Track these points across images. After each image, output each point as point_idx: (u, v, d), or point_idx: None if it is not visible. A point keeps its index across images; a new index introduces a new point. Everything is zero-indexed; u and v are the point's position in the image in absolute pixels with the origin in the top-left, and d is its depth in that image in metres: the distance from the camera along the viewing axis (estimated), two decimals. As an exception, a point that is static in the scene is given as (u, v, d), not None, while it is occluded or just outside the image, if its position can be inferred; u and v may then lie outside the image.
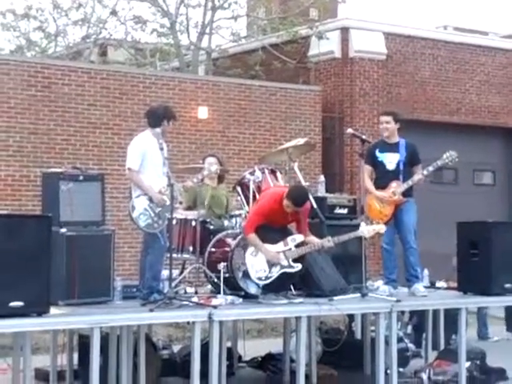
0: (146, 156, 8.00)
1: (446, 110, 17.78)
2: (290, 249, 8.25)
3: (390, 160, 9.03)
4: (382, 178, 9.06)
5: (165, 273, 8.25)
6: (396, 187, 8.93)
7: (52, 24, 20.29)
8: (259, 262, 8.22)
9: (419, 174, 8.94)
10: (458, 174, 17.44)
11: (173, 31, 18.71)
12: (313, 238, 8.38)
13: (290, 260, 8.22)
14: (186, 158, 14.35)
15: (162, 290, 7.98)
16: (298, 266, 8.23)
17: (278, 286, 8.31)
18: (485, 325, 12.33)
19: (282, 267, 8.22)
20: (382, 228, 8.51)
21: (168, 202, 7.92)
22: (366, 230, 8.41)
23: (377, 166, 9.11)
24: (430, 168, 8.99)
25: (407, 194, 9.00)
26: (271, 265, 8.21)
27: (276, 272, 8.23)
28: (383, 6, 38.69)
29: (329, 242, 8.27)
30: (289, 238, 8.29)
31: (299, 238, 8.31)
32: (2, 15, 20.30)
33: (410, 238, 8.95)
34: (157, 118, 8.24)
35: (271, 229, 8.29)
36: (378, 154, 9.10)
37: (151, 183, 7.96)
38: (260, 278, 8.22)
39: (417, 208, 9.11)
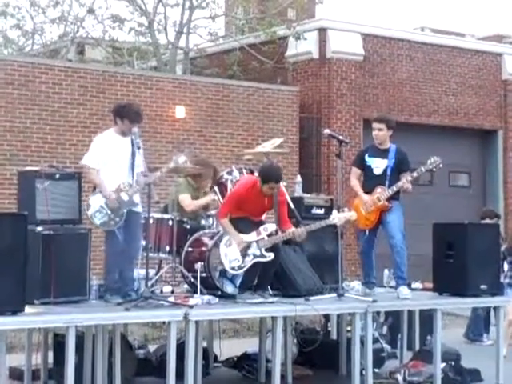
0: (105, 153, 7.94)
1: (422, 112, 17.88)
2: (263, 238, 8.28)
3: (378, 165, 9.06)
4: (368, 183, 9.09)
5: (141, 272, 8.26)
6: (381, 193, 8.96)
7: (29, 22, 20.21)
8: (233, 252, 8.26)
9: (404, 180, 8.96)
10: (434, 175, 17.52)
11: (151, 30, 18.67)
12: (292, 228, 8.40)
13: (263, 249, 8.25)
14: (163, 157, 14.30)
15: (116, 289, 7.93)
16: (271, 256, 8.25)
17: (254, 286, 8.33)
18: (477, 327, 12.15)
19: (255, 256, 8.25)
20: (353, 215, 8.58)
21: (126, 198, 7.86)
22: (337, 217, 8.45)
23: (365, 170, 9.15)
24: (415, 174, 9.03)
25: (393, 197, 9.02)
26: (244, 254, 8.25)
27: (249, 261, 8.27)
28: (361, 7, 38.82)
29: (300, 230, 8.30)
30: (261, 228, 8.35)
31: (271, 227, 8.36)
32: (-22, 13, 20.16)
33: (397, 237, 8.89)
34: (113, 115, 8.21)
35: (247, 221, 8.32)
36: (367, 158, 9.14)
37: (110, 181, 7.89)
38: (233, 268, 8.25)
39: (403, 210, 9.14)
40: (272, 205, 8.41)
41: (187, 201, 9.13)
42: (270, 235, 8.33)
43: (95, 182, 7.95)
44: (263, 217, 8.66)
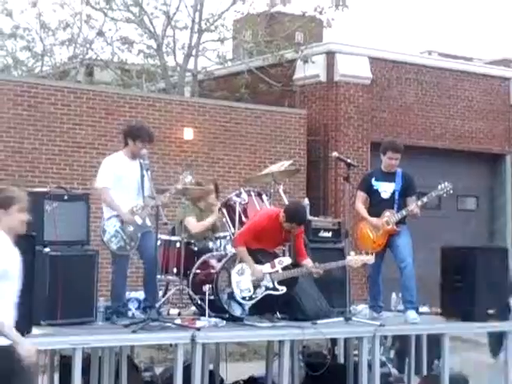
0: (115, 176, 7.95)
1: (430, 135, 17.88)
2: (277, 271, 8.24)
3: (385, 189, 9.04)
4: (376, 207, 9.06)
5: (137, 294, 8.29)
6: (389, 216, 8.93)
7: (39, 44, 20.30)
8: (245, 282, 8.19)
9: (413, 205, 8.94)
10: (442, 199, 17.49)
11: (159, 53, 18.75)
12: (308, 262, 8.34)
13: (276, 282, 8.20)
14: (171, 178, 14.32)
15: (124, 311, 7.95)
16: (283, 289, 8.19)
17: (262, 309, 8.29)
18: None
19: (267, 289, 8.20)
20: (370, 259, 8.46)
21: (140, 222, 7.88)
22: (353, 260, 8.35)
23: (372, 194, 9.11)
24: (425, 199, 9.00)
25: (401, 221, 9.00)
26: (256, 285, 8.19)
27: (260, 293, 8.20)
28: (368, 31, 38.99)
29: (318, 268, 8.25)
30: (276, 260, 8.27)
31: (286, 260, 8.30)
32: (-12, 34, 20.29)
33: (407, 261, 8.85)
34: (123, 137, 8.22)
35: (262, 252, 8.29)
36: (373, 182, 9.11)
37: (121, 203, 7.91)
38: (244, 298, 8.19)
39: (410, 234, 9.11)
40: (288, 237, 8.36)
41: (193, 223, 9.12)
42: (284, 269, 8.27)
43: (111, 203, 7.95)
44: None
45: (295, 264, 8.29)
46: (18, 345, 5.19)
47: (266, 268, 8.24)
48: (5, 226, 5.37)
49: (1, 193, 5.45)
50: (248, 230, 8.34)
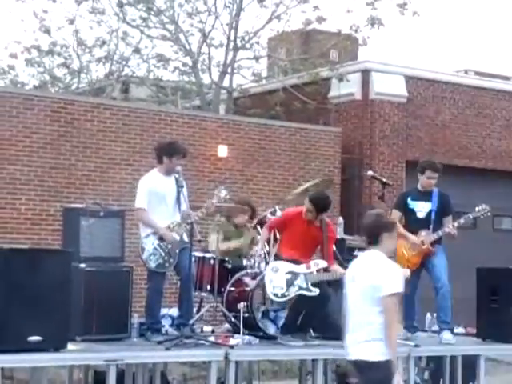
0: (152, 194, 7.99)
1: (466, 155, 17.75)
2: (312, 272, 8.20)
3: (421, 208, 8.99)
4: (412, 226, 9.00)
5: (170, 311, 8.30)
6: (425, 236, 8.88)
7: (76, 60, 20.49)
8: (278, 279, 8.17)
9: (450, 226, 8.87)
10: (478, 219, 17.36)
11: (195, 70, 18.85)
12: (338, 268, 8.33)
13: (310, 283, 8.15)
14: (205, 195, 14.34)
15: (158, 327, 7.97)
16: (316, 291, 8.15)
17: (296, 328, 8.26)
18: None
19: (300, 288, 8.16)
20: (406, 272, 8.41)
21: (178, 238, 7.91)
22: None
23: (407, 213, 9.06)
24: (462, 220, 8.95)
25: (436, 241, 8.94)
26: (290, 284, 8.16)
27: (293, 292, 8.17)
28: (404, 49, 38.88)
29: None
30: (312, 262, 8.27)
31: (322, 263, 8.29)
32: (26, 51, 20.49)
33: (443, 281, 8.81)
34: (157, 154, 8.27)
35: (296, 262, 8.27)
36: (409, 201, 9.07)
37: (158, 220, 7.95)
38: (276, 295, 8.16)
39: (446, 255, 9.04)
40: (320, 241, 8.33)
41: (214, 242, 9.05)
42: (319, 271, 8.24)
43: (149, 222, 7.99)
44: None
45: (325, 269, 8.29)
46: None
47: (301, 268, 8.21)
48: (385, 248, 5.81)
49: (384, 217, 6.03)
50: (276, 218, 8.66)
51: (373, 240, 5.82)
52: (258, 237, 9.08)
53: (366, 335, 5.62)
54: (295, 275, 8.17)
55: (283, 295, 8.18)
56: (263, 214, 9.14)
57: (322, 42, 19.04)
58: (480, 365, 8.71)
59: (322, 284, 8.20)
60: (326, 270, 8.29)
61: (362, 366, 5.65)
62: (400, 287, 5.70)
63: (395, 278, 5.66)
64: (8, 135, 13.43)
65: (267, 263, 8.58)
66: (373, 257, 5.77)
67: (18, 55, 20.63)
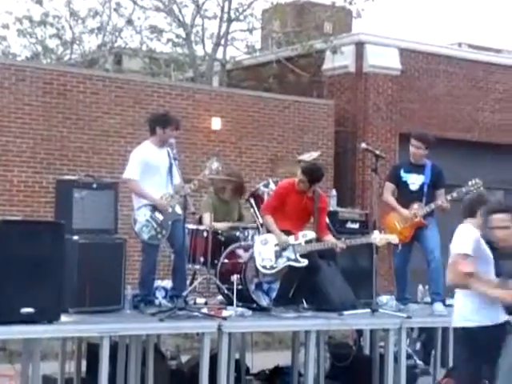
0: (145, 165, 7.98)
1: (459, 128, 17.74)
2: (300, 243, 8.22)
3: (414, 181, 8.99)
4: (404, 199, 9.00)
5: (164, 283, 8.33)
6: (417, 209, 8.89)
7: (68, 31, 20.38)
8: (267, 251, 8.20)
9: (442, 199, 8.89)
10: (470, 192, 17.36)
11: (188, 42, 18.77)
12: (330, 237, 8.36)
13: (298, 254, 8.17)
14: (198, 168, 14.33)
15: (151, 299, 7.99)
16: (305, 262, 8.16)
17: (288, 299, 8.29)
18: None
19: (289, 259, 8.18)
20: (394, 238, 8.49)
21: (170, 210, 7.91)
22: (378, 237, 8.39)
23: (400, 185, 9.06)
24: (454, 194, 8.94)
25: (429, 214, 8.96)
26: (278, 256, 8.19)
27: (282, 263, 8.19)
28: (398, 22, 38.74)
29: (342, 242, 8.25)
30: (300, 233, 8.28)
31: (310, 234, 8.30)
32: (18, 21, 20.35)
33: (436, 253, 8.84)
34: (150, 125, 8.25)
35: (288, 233, 8.28)
36: (402, 173, 9.06)
37: (151, 191, 7.95)
38: (265, 267, 8.20)
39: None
40: (312, 211, 8.34)
41: (207, 221, 9.03)
42: (307, 242, 8.28)
43: (141, 193, 7.99)
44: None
45: (318, 239, 8.30)
46: None
47: (290, 240, 8.24)
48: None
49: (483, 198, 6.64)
50: (272, 197, 8.48)
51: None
52: (246, 213, 9.13)
53: None
54: (284, 247, 8.20)
55: (272, 267, 8.20)
56: (256, 187, 9.13)
57: (316, 14, 18.96)
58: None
59: (311, 255, 8.21)
60: (319, 240, 8.29)
61: None
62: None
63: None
64: (0, 106, 13.38)
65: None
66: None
67: (10, 26, 20.50)
